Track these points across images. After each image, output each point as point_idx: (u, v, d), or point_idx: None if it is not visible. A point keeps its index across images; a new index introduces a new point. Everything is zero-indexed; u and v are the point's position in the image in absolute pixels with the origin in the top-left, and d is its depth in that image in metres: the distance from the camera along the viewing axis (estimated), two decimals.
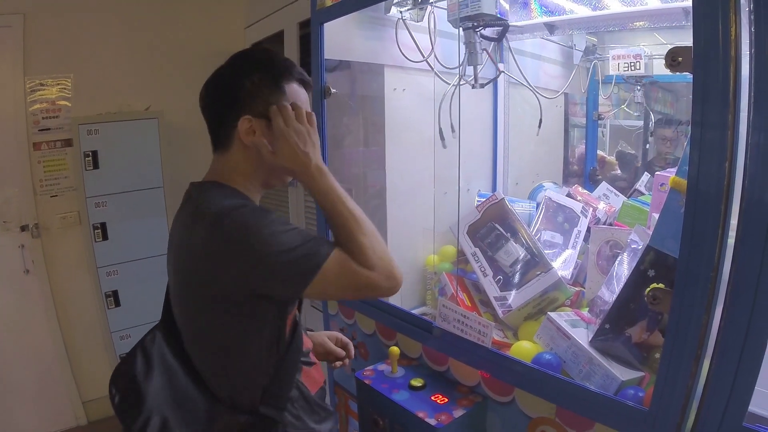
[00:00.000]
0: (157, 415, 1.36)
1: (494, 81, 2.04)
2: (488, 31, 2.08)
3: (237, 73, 1.41)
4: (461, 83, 2.12)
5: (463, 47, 2.06)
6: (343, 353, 1.79)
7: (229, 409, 1.37)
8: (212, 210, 1.29)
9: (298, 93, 1.44)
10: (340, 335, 1.83)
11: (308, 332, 1.76)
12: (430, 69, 2.17)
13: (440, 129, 2.22)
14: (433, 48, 2.17)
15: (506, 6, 2.03)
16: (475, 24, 2.01)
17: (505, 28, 2.08)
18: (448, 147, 2.06)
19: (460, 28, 2.03)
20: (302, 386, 1.46)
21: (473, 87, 2.13)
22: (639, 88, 2.54)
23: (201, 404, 1.39)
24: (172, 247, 1.43)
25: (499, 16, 1.95)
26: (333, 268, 1.28)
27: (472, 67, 2.09)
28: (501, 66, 2.33)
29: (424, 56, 2.16)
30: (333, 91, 2.22)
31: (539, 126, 2.41)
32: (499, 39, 2.10)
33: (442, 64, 2.20)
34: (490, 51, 2.12)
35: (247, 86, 1.38)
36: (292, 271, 1.26)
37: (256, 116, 1.38)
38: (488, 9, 1.87)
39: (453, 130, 2.21)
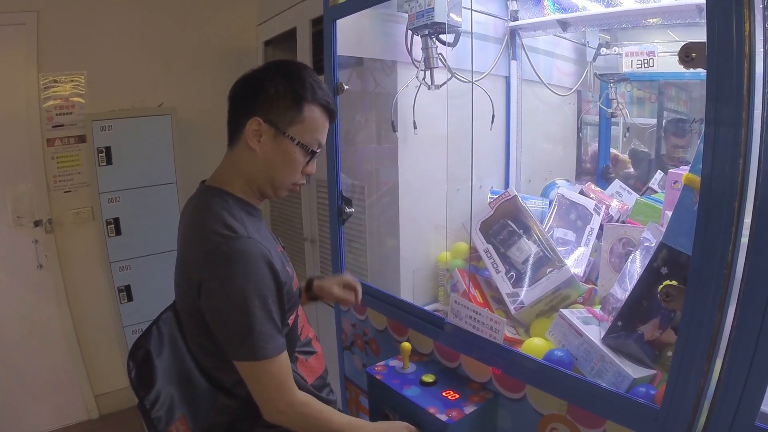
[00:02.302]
0: (165, 390, 1.47)
1: (447, 83, 2.16)
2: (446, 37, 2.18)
3: (265, 76, 1.44)
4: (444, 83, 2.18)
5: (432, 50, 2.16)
6: (352, 297, 1.87)
7: (225, 392, 1.46)
8: (209, 232, 1.36)
9: (316, 118, 1.46)
10: (347, 279, 1.89)
11: (317, 281, 1.87)
12: (442, 65, 2.17)
13: (392, 122, 2.29)
14: (447, 44, 2.18)
15: (458, 19, 2.12)
16: (430, 32, 2.11)
17: (458, 35, 2.17)
18: (461, 143, 2.06)
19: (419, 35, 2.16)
20: (298, 376, 1.52)
21: (429, 89, 2.20)
22: (612, 84, 2.56)
23: (201, 385, 1.47)
24: (179, 241, 1.50)
25: (450, 24, 2.08)
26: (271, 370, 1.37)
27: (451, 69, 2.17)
28: (504, 68, 2.33)
29: (432, 54, 2.16)
30: (346, 87, 2.23)
31: (492, 122, 2.41)
32: (453, 44, 2.18)
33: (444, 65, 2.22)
34: (507, 51, 2.14)
35: (269, 91, 1.41)
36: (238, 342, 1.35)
37: (266, 121, 1.41)
38: (440, 18, 2.01)
39: (415, 127, 2.29)
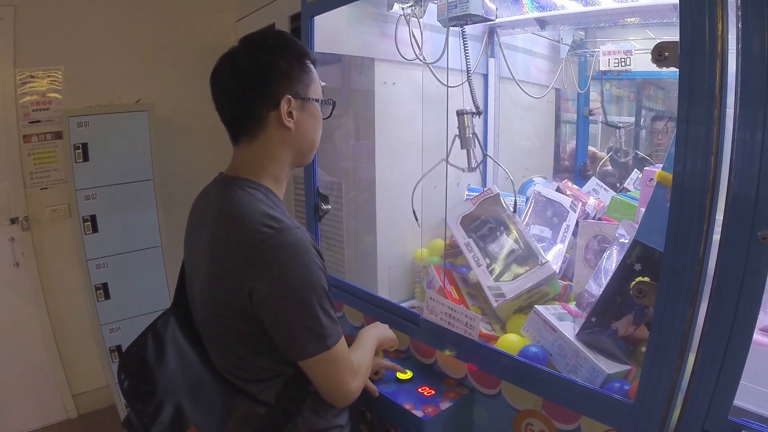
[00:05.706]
0: (170, 401, 1.38)
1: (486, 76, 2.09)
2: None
3: (266, 54, 1.38)
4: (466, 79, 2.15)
5: (461, 44, 2.13)
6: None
7: (248, 399, 1.37)
8: (253, 225, 1.29)
9: (314, 70, 1.47)
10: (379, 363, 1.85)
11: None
12: (420, 63, 2.17)
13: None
14: (420, 44, 2.17)
15: (493, 6, 2.03)
16: (463, 23, 2.07)
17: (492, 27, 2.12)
18: (440, 140, 2.07)
19: (450, 27, 2.07)
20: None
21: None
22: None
23: (217, 392, 1.39)
24: (201, 238, 1.41)
25: (485, 15, 2.00)
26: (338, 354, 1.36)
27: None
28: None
29: (417, 54, 2.15)
30: (323, 84, 2.22)
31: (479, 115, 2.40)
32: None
33: (423, 61, 2.21)
34: (486, 49, 2.15)
35: (281, 65, 1.37)
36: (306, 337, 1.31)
37: (293, 96, 1.38)
38: (475, 9, 1.93)
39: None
